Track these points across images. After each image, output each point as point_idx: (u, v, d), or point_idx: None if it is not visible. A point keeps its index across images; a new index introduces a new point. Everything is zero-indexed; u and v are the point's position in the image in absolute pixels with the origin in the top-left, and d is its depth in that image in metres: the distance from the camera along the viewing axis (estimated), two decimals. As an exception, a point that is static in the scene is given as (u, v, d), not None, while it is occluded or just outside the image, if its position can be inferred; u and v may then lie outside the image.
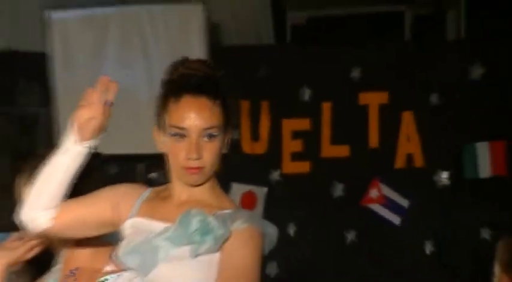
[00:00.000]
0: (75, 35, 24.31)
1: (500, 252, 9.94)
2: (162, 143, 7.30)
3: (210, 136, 7.05)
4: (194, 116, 7.07)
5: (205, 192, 7.26)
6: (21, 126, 26.51)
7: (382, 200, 23.69)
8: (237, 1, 27.14)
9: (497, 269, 10.22)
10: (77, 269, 8.09)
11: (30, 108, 26.12)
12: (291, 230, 21.40)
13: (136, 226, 7.25)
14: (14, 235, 8.52)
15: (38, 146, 24.58)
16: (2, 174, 24.83)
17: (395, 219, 23.81)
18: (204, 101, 7.10)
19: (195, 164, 7.07)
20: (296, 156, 24.25)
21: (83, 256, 8.16)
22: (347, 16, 27.25)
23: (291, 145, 24.10)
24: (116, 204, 7.37)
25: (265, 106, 23.49)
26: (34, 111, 26.07)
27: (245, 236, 7.07)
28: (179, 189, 7.22)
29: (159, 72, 7.71)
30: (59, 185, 7.31)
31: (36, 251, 8.33)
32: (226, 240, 6.98)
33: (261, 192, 22.67)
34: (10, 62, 26.26)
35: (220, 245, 6.94)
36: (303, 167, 24.03)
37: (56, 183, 7.32)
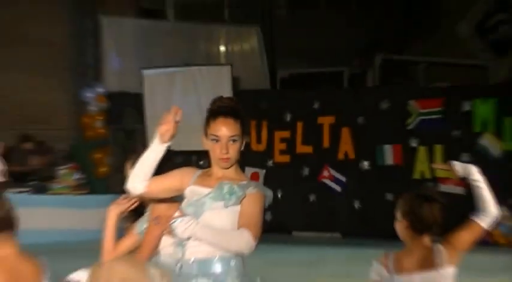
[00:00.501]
0: (157, 83, 35.33)
1: (401, 204, 11.20)
2: (206, 144, 10.60)
3: (233, 140, 10.51)
4: (224, 129, 10.53)
5: (231, 172, 10.71)
6: (126, 135, 38.40)
7: (330, 177, 35.73)
8: (248, 65, 38.35)
9: (398, 215, 11.37)
10: (158, 216, 11.27)
11: (131, 125, 37.60)
12: (279, 194, 30.55)
13: (192, 191, 10.66)
14: (123, 196, 12.04)
15: (136, 146, 35.00)
16: (117, 162, 35.28)
17: (338, 188, 35.83)
18: (229, 120, 10.57)
19: (225, 156, 10.50)
20: (282, 152, 36.70)
21: (161, 208, 11.30)
22: (313, 73, 41.01)
23: (279, 146, 36.62)
24: (181, 179, 10.79)
25: (264, 123, 35.97)
26: (133, 127, 37.57)
27: (254, 196, 10.58)
28: (216, 170, 10.69)
29: (205, 104, 11.42)
30: (150, 167, 10.71)
31: (134, 205, 11.88)
32: (243, 198, 10.49)
33: (261, 172, 35.61)
34: (121, 98, 37.47)
35: (240, 201, 10.43)
36: (286, 158, 36.57)
37: (148, 166, 10.75)
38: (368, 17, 43.97)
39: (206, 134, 10.23)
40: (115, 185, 33.28)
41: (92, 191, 35.99)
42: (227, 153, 10.12)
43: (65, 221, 31.55)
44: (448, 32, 44.05)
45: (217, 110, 10.38)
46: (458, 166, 10.89)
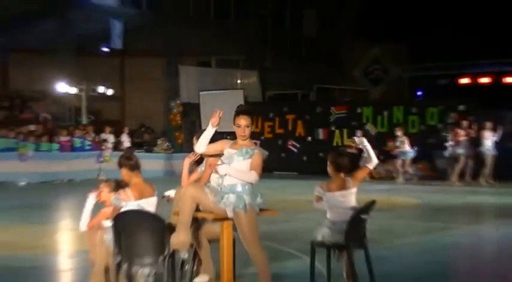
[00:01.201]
0: (206, 98, 34.36)
1: (329, 157, 10.86)
2: (234, 128, 9.89)
3: (247, 127, 9.93)
4: (243, 121, 9.95)
5: (246, 142, 9.98)
6: (191, 123, 36.82)
7: (292, 145, 34.48)
8: (251, 90, 37.15)
9: (328, 163, 10.97)
10: (210, 164, 10.52)
11: (194, 118, 36.42)
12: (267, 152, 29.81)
13: (227, 151, 9.92)
14: (191, 153, 11.09)
15: (196, 129, 32.19)
16: (187, 137, 35.84)
17: (295, 150, 34.70)
18: (245, 116, 10.00)
19: (242, 134, 9.93)
20: (268, 133, 35.01)
21: (211, 160, 10.46)
22: (284, 93, 39.42)
23: (266, 129, 35.03)
24: (221, 145, 10.09)
25: (260, 118, 34.15)
26: (194, 119, 36.19)
27: (258, 154, 10.00)
28: (238, 141, 10.01)
29: (232, 109, 10.52)
30: (206, 139, 10.03)
31: (197, 158, 10.97)
32: (252, 155, 9.93)
33: (258, 143, 29.29)
34: (188, 105, 36.85)
35: (251, 156, 9.87)
36: (270, 135, 34.82)
37: (205, 138, 10.05)
38: (312, 63, 44.14)
39: (234, 123, 9.90)
40: (186, 148, 32.29)
41: (174, 152, 35.09)
42: (244, 133, 9.88)
43: (161, 166, 30.20)
44: (349, 74, 43.55)
45: (239, 111, 10.11)
46: (356, 139, 11.26)
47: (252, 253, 9.64)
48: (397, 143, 29.25)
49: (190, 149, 12.03)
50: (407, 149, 29.22)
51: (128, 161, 10.15)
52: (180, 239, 9.35)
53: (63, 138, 32.45)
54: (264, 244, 9.76)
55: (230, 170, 9.71)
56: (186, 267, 10.78)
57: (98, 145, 32.77)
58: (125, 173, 10.10)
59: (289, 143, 34.59)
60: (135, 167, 10.09)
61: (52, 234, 16.80)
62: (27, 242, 15.59)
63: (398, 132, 29.48)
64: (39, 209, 18.50)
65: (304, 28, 46.89)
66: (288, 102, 37.66)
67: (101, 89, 37.51)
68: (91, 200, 10.36)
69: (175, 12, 39.58)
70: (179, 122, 38.19)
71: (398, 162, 29.20)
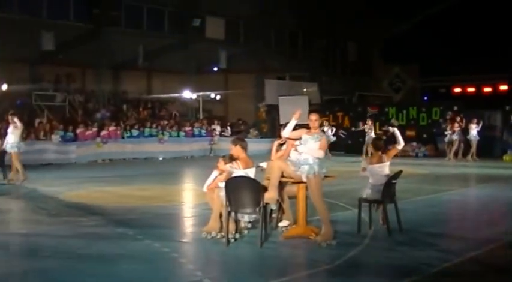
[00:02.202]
0: (285, 101, 32.65)
1: (372, 140, 10.92)
2: (308, 121, 9.63)
3: (316, 120, 9.55)
4: (313, 117, 9.55)
5: (317, 130, 9.56)
6: (273, 118, 35.64)
7: (341, 133, 33.76)
8: (313, 96, 36.06)
9: (371, 149, 10.94)
10: (292, 145, 10.15)
11: (275, 115, 34.70)
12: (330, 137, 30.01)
13: (304, 136, 9.51)
14: (278, 139, 10.88)
15: (277, 123, 32.40)
16: (270, 128, 36.73)
17: (345, 136, 34.32)
18: (315, 114, 9.61)
19: (314, 126, 9.59)
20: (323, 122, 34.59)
21: (291, 142, 10.15)
22: (334, 98, 38.68)
23: (322, 121, 33.72)
24: (300, 132, 9.58)
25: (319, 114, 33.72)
26: (276, 117, 34.27)
27: (324, 138, 9.58)
28: (311, 130, 9.55)
29: (303, 109, 10.47)
30: (291, 128, 9.60)
31: (283, 140, 10.55)
32: (320, 139, 9.47)
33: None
34: (271, 106, 35.59)
35: (319, 140, 9.42)
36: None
37: (290, 127, 9.62)
38: (354, 77, 44.32)
39: (308, 118, 9.61)
40: (269, 135, 32.21)
41: (261, 138, 34.67)
42: (314, 125, 9.58)
43: (256, 148, 29.18)
44: (379, 84, 43.07)
45: (311, 110, 9.87)
46: (390, 128, 11.19)
47: (318, 205, 9.57)
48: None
49: (273, 136, 12.11)
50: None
51: (242, 142, 10.12)
52: (271, 196, 9.48)
53: (187, 128, 33.37)
54: (325, 200, 9.77)
55: (306, 149, 9.55)
56: (274, 215, 10.86)
57: (210, 133, 33.57)
58: (236, 150, 9.99)
59: (339, 131, 33.73)
60: (244, 147, 10.01)
61: (180, 192, 17.18)
62: (163, 197, 15.84)
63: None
64: (171, 175, 18.74)
65: (349, 54, 47.23)
66: (338, 104, 37.57)
67: (212, 95, 38.47)
68: (214, 173, 10.25)
69: (262, 43, 39.59)
70: (264, 117, 38.36)
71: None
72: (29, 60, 32.73)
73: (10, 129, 18.43)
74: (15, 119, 18.35)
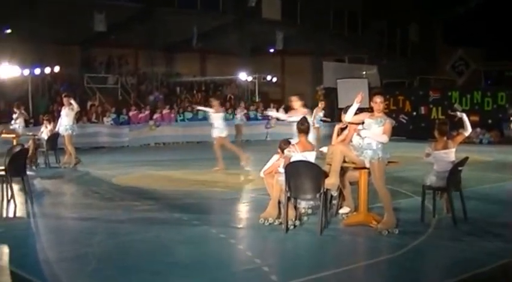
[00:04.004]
0: (343, 84, 32.96)
1: (437, 125, 10.46)
2: (372, 104, 9.56)
3: (381, 103, 9.54)
4: (378, 99, 9.43)
5: (380, 114, 9.46)
6: (331, 101, 33.33)
7: (402, 118, 32.80)
8: (373, 79, 35.87)
9: (435, 132, 10.65)
10: (354, 129, 10.14)
11: (334, 98, 33.62)
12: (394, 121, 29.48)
13: (367, 120, 9.46)
14: (340, 122, 10.67)
15: (335, 106, 31.68)
16: (329, 113, 37.84)
17: (406, 121, 33.65)
18: (379, 96, 9.50)
19: (379, 108, 9.54)
20: (385, 109, 34.43)
21: (353, 126, 10.13)
22: (394, 81, 38.11)
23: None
24: (363, 116, 9.56)
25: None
26: (335, 99, 33.36)
27: (389, 122, 9.42)
28: (375, 113, 9.49)
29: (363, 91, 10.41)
30: (352, 112, 9.65)
31: (344, 125, 10.50)
32: (384, 123, 9.36)
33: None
34: (329, 89, 34.78)
35: (383, 124, 9.33)
36: (386, 111, 33.94)
37: (352, 112, 9.63)
38: (415, 60, 43.95)
39: (371, 100, 9.53)
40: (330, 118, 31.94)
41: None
42: (379, 107, 9.50)
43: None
44: (441, 67, 42.62)
45: (375, 92, 9.79)
46: (458, 113, 11.04)
47: (380, 192, 9.51)
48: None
49: (331, 120, 12.11)
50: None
51: (299, 125, 9.93)
52: (332, 182, 9.43)
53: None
54: (387, 186, 9.70)
55: (369, 133, 9.46)
56: (334, 201, 10.81)
57: (266, 116, 33.00)
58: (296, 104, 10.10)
59: (401, 116, 33.15)
60: (301, 130, 9.86)
61: (236, 177, 17.01)
62: (218, 181, 15.82)
63: None
64: (226, 159, 18.52)
65: (410, 36, 46.69)
66: (399, 88, 36.79)
67: (268, 78, 38.13)
68: (274, 158, 10.23)
69: (320, 25, 39.12)
70: (322, 100, 37.94)
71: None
72: (80, 42, 33.34)
73: (64, 112, 18.69)
74: (71, 101, 18.64)
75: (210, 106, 18.90)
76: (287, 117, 12.93)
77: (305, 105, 12.97)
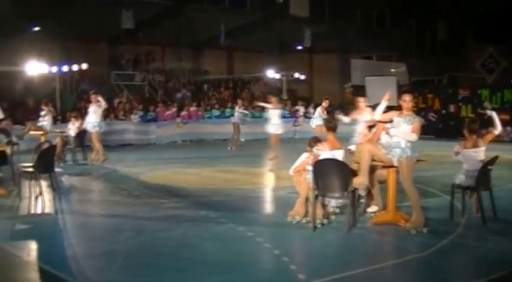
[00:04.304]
0: (371, 81, 30.88)
1: (466, 123, 10.38)
2: (401, 103, 9.56)
3: (410, 101, 9.52)
4: (407, 98, 9.40)
5: (409, 112, 9.44)
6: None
7: (431, 116, 32.69)
8: (401, 77, 33.60)
9: (465, 131, 10.49)
10: (382, 127, 10.00)
11: (361, 95, 35.66)
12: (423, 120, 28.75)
13: (396, 119, 9.42)
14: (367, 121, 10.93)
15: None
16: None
17: (435, 120, 33.23)
18: (409, 95, 9.50)
19: (408, 106, 9.52)
20: (413, 107, 34.09)
21: (381, 125, 10.02)
22: (422, 79, 38.44)
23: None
24: (392, 115, 9.53)
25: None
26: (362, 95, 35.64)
27: (417, 120, 9.41)
28: (404, 111, 9.43)
29: (391, 89, 10.46)
30: (381, 111, 9.66)
31: (373, 123, 10.50)
32: (413, 122, 9.34)
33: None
34: (357, 87, 33.10)
35: (412, 123, 9.30)
36: (415, 109, 33.96)
37: (381, 110, 9.63)
38: (444, 58, 43.70)
39: (400, 99, 9.53)
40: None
41: None
42: (408, 106, 9.46)
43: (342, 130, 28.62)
44: (470, 65, 42.30)
45: (404, 91, 9.83)
46: (488, 111, 10.97)
47: (408, 191, 9.44)
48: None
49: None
50: None
51: (327, 123, 10.06)
52: (360, 181, 9.47)
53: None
54: (416, 185, 9.63)
55: (398, 132, 9.40)
56: (362, 200, 10.84)
57: (294, 113, 33.34)
58: (323, 130, 10.02)
59: (429, 114, 32.83)
60: (329, 128, 9.93)
61: (263, 174, 17.12)
62: (246, 179, 15.97)
63: None
64: (254, 157, 18.77)
65: (439, 33, 46.46)
66: (428, 86, 36.46)
67: (296, 75, 37.94)
68: (303, 156, 10.15)
69: (348, 22, 39.02)
70: (350, 98, 37.87)
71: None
72: (108, 40, 33.50)
73: (92, 109, 18.83)
74: (99, 98, 18.77)
75: (268, 102, 19.08)
76: (355, 118, 12.78)
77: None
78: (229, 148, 24.39)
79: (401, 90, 10.09)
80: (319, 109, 22.04)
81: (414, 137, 9.37)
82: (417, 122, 9.49)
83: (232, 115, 27.48)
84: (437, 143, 24.87)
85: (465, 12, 43.80)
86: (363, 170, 9.53)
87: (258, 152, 23.17)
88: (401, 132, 9.40)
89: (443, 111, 33.48)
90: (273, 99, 18.88)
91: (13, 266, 7.74)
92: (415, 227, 9.30)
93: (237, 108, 26.90)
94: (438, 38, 46.85)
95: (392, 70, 36.80)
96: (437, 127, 32.62)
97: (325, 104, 21.72)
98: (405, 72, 37.38)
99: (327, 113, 21.09)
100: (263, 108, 19.19)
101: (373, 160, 9.67)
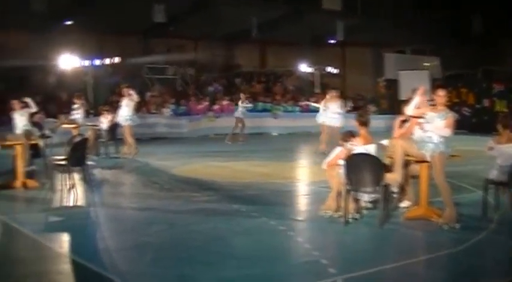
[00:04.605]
0: (404, 75, 32.86)
1: (500, 118, 10.37)
2: (435, 97, 9.49)
3: (444, 96, 9.54)
4: (441, 92, 9.43)
5: (443, 107, 9.40)
6: (393, 92, 35.03)
7: (465, 111, 32.79)
8: (433, 71, 35.58)
9: (498, 126, 10.47)
10: (416, 122, 9.95)
11: (394, 90, 33.83)
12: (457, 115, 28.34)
13: (429, 114, 9.34)
14: (401, 115, 10.68)
15: (396, 98, 31.95)
16: (391, 105, 37.70)
17: (469, 114, 33.23)
18: (443, 89, 9.53)
19: (442, 101, 9.48)
20: (447, 102, 33.69)
21: (415, 120, 9.97)
22: (456, 73, 37.59)
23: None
24: (424, 110, 9.54)
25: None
26: (396, 90, 33.52)
27: (451, 116, 9.35)
28: (438, 107, 9.36)
29: (424, 84, 11.17)
30: (414, 106, 9.64)
31: (406, 117, 10.47)
32: (447, 117, 9.29)
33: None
34: (390, 81, 34.85)
35: (446, 118, 9.26)
36: (448, 104, 33.45)
37: (413, 105, 9.60)
38: (478, 51, 43.21)
39: (434, 93, 9.49)
40: (389, 111, 31.78)
41: (379, 114, 33.18)
42: (442, 101, 9.45)
43: (375, 124, 28.74)
44: (506, 58, 41.59)
45: (438, 85, 9.78)
46: None
47: (440, 186, 9.40)
48: None
49: (392, 112, 12.06)
50: None
51: (359, 118, 10.06)
52: (394, 177, 9.49)
53: (302, 103, 33.40)
54: (448, 180, 9.60)
55: (431, 127, 9.34)
56: (394, 195, 10.70)
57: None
58: (356, 125, 9.98)
59: (463, 109, 32.54)
60: (362, 123, 9.95)
61: (296, 169, 17.26)
62: (278, 173, 15.96)
63: None
64: (286, 151, 18.81)
65: (473, 27, 45.83)
66: (462, 80, 36.10)
67: (328, 69, 38.07)
68: (337, 150, 10.16)
69: (381, 15, 38.56)
70: (384, 92, 37.87)
71: None
72: (140, 33, 33.62)
73: (124, 102, 19.03)
74: (131, 91, 19.02)
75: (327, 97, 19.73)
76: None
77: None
78: (227, 142, 24.49)
79: (435, 85, 9.97)
80: (322, 103, 21.12)
81: (448, 132, 9.33)
82: (451, 117, 9.43)
83: (236, 110, 27.18)
84: (471, 137, 24.67)
85: (501, 4, 43.22)
86: (397, 165, 9.50)
87: (290, 146, 23.32)
88: (435, 127, 9.33)
89: (477, 106, 33.23)
90: (333, 93, 19.53)
91: (46, 257, 7.84)
92: (447, 222, 9.25)
93: (239, 102, 26.49)
94: (473, 31, 46.25)
95: (426, 64, 36.76)
96: (471, 122, 32.26)
97: (328, 96, 21.23)
98: (438, 66, 37.28)
99: (358, 107, 20.90)
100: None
101: (407, 155, 9.63)
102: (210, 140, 27.51)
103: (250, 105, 27.43)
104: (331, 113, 18.80)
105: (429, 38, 39.78)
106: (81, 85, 27.39)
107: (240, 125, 25.76)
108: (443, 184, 9.37)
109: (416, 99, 9.70)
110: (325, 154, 15.86)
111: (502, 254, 8.28)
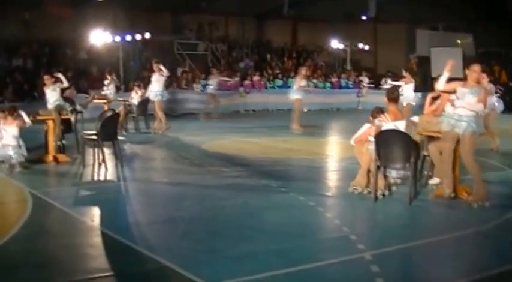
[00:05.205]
0: (437, 53, 32.28)
1: None
2: (468, 73, 9.32)
3: (479, 72, 9.39)
4: (476, 68, 9.30)
5: (475, 83, 9.22)
6: (423, 68, 34.41)
7: (498, 89, 33.05)
8: (467, 48, 35.33)
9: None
10: (447, 99, 9.76)
11: (426, 66, 33.38)
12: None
13: (460, 90, 9.14)
14: (431, 92, 10.81)
15: (429, 75, 31.45)
16: (423, 82, 36.26)
17: (502, 92, 33.31)
18: (478, 65, 9.33)
19: (477, 76, 9.38)
20: None
21: (446, 96, 9.82)
22: (487, 51, 37.84)
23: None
24: (456, 85, 9.34)
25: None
26: (427, 67, 33.53)
27: (483, 91, 9.27)
28: (469, 83, 9.16)
29: (457, 60, 9.77)
30: (444, 81, 9.38)
31: (437, 94, 10.51)
32: (479, 93, 9.15)
33: None
34: (423, 58, 34.46)
35: (478, 94, 9.11)
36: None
37: (443, 81, 9.31)
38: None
39: (468, 68, 9.32)
40: (420, 88, 31.55)
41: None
42: (478, 76, 9.41)
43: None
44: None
45: (473, 62, 9.59)
46: None
47: (469, 165, 9.34)
48: None
49: (424, 89, 11.94)
50: None
51: (389, 94, 9.94)
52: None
53: (333, 79, 33.69)
54: (480, 158, 9.65)
55: (464, 103, 9.23)
56: (424, 172, 10.76)
57: (357, 84, 33.54)
58: (385, 102, 9.88)
59: (496, 87, 32.11)
60: (391, 99, 9.83)
61: (325, 145, 17.42)
62: (307, 149, 16.10)
63: None
64: (316, 127, 18.82)
65: (508, 3, 45.29)
66: (495, 58, 35.69)
67: (360, 45, 38.03)
68: (365, 126, 10.14)
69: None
70: (415, 69, 37.47)
71: None
72: (171, 9, 33.61)
73: (154, 78, 19.12)
74: (161, 67, 19.07)
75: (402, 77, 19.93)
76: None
77: None
78: (200, 119, 24.33)
79: (471, 60, 9.88)
80: (297, 79, 20.94)
81: (481, 106, 9.24)
82: (483, 92, 9.37)
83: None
84: (504, 116, 24.44)
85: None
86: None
87: (320, 122, 23.28)
88: (467, 103, 9.24)
89: (511, 84, 32.71)
90: (407, 74, 19.69)
91: (77, 231, 7.98)
92: (477, 200, 9.22)
93: (211, 77, 26.24)
94: (508, 8, 45.71)
95: (459, 41, 36.39)
96: (504, 100, 31.62)
97: (304, 71, 21.04)
98: (472, 44, 36.86)
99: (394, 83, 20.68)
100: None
101: (437, 132, 9.64)
102: (240, 115, 27.69)
103: (228, 78, 28.36)
104: (405, 93, 18.79)
105: (462, 14, 39.33)
106: (112, 61, 27.53)
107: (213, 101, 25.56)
108: (471, 163, 9.29)
109: (446, 74, 9.54)
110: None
111: (531, 233, 8.19)
